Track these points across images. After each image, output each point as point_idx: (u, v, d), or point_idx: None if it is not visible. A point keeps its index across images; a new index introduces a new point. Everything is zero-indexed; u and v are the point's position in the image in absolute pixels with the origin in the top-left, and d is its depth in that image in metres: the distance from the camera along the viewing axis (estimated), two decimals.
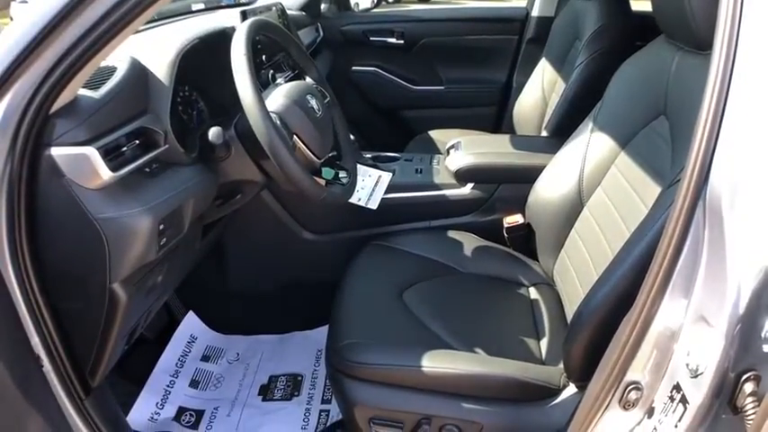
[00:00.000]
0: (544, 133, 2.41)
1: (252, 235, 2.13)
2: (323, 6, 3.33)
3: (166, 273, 1.51)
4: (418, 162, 2.23)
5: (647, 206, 1.34)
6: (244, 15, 1.92)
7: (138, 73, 1.36)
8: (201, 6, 2.54)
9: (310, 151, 1.48)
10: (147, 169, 1.32)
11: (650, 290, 1.01)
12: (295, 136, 1.44)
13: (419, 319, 1.62)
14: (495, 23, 3.25)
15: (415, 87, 3.31)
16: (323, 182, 1.57)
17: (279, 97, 1.46)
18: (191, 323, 2.31)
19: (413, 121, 3.34)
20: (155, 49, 1.45)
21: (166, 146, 1.36)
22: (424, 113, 3.33)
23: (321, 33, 3.14)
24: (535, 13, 3.14)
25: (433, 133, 2.97)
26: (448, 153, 2.21)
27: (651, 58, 1.57)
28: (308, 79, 1.75)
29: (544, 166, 1.86)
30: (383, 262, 1.87)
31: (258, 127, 1.33)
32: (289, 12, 2.81)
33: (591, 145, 1.70)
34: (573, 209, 1.71)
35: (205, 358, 2.24)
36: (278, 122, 1.40)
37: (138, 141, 1.29)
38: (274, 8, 2.29)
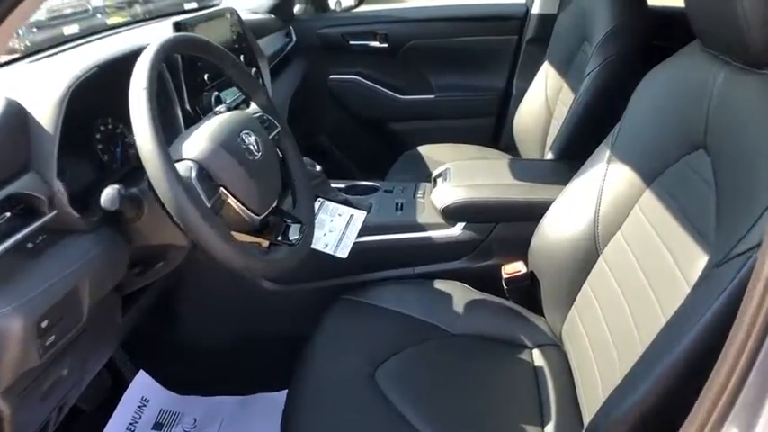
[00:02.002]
0: (549, 155, 2.10)
1: (207, 284, 1.83)
2: (297, 7, 3.02)
3: (74, 365, 1.22)
4: (399, 194, 1.92)
5: (681, 269, 1.07)
6: (177, 27, 1.61)
7: (14, 119, 1.05)
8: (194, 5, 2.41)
9: (245, 207, 1.17)
10: (30, 244, 1.03)
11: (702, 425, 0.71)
12: (222, 189, 1.14)
13: (394, 405, 1.33)
14: (490, 22, 2.93)
15: (401, 97, 2.99)
16: (266, 243, 1.26)
17: (200, 140, 1.14)
18: (142, 383, 2.02)
19: (400, 134, 3.03)
20: (39, 85, 1.15)
21: (53, 212, 1.06)
22: (413, 126, 3.02)
23: (294, 38, 2.83)
24: (536, 10, 2.83)
25: (423, 149, 2.69)
26: (434, 183, 1.91)
27: (684, 73, 1.27)
28: (254, 105, 1.44)
29: (550, 202, 1.59)
30: (356, 324, 1.58)
31: (160, 184, 1.02)
32: (255, 16, 2.53)
33: (608, 178, 1.41)
34: (586, 257, 1.43)
35: (158, 426, 1.96)
36: (194, 175, 1.09)
37: (9, 214, 0.99)
38: (228, 14, 1.98)
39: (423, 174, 2.41)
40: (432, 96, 2.98)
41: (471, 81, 2.96)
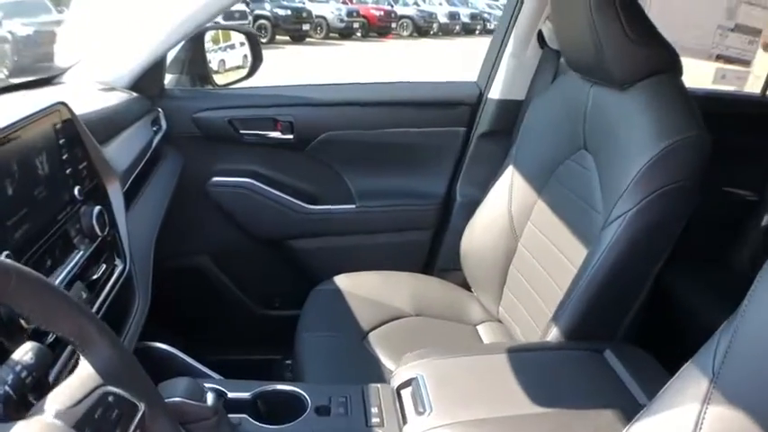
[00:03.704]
0: (554, 333, 1.47)
1: None
2: (168, 78, 2.27)
3: None
4: (340, 417, 1.21)
5: None
6: None
7: None
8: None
9: None
10: None
11: None
12: None
13: None
14: (431, 109, 2.29)
15: (311, 207, 2.27)
16: None
17: None
18: None
19: (310, 259, 2.32)
20: None
21: None
22: (327, 244, 2.31)
23: (163, 126, 2.08)
24: (494, 94, 2.23)
25: (342, 281, 2.02)
26: (397, 398, 1.24)
27: None
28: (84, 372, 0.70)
29: None
30: None
31: None
32: (110, 100, 1.81)
33: None
34: None
35: None
36: None
37: None
38: (55, 115, 1.25)
39: (351, 334, 1.78)
40: (352, 206, 2.29)
41: (404, 185, 2.31)
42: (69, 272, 1.15)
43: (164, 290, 1.61)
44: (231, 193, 2.23)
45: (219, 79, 2.48)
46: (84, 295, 1.17)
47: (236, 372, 2.27)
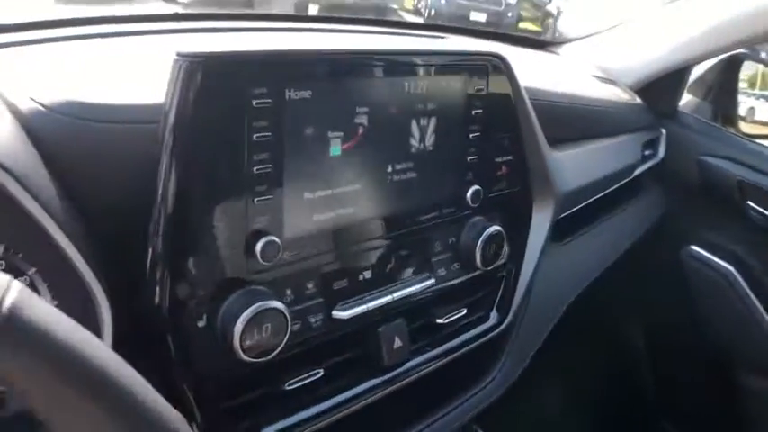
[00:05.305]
0: None
1: None
2: (684, 100, 1.80)
3: None
4: None
5: None
6: None
7: None
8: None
9: None
10: None
11: None
12: None
13: None
14: None
15: None
16: None
17: None
18: None
19: (747, 400, 1.72)
20: None
21: None
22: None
23: (660, 154, 1.63)
24: None
25: None
26: None
27: None
28: None
29: None
30: None
31: None
32: (609, 90, 1.47)
33: None
34: None
35: None
36: None
37: None
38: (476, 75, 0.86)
39: None
40: None
41: None
42: (386, 304, 0.78)
43: None
44: (705, 273, 1.67)
45: (744, 127, 1.93)
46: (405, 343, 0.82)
47: None
